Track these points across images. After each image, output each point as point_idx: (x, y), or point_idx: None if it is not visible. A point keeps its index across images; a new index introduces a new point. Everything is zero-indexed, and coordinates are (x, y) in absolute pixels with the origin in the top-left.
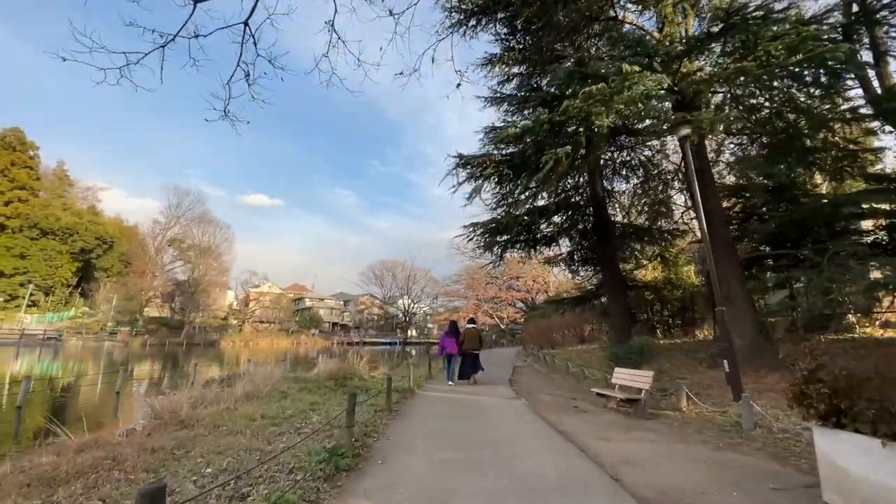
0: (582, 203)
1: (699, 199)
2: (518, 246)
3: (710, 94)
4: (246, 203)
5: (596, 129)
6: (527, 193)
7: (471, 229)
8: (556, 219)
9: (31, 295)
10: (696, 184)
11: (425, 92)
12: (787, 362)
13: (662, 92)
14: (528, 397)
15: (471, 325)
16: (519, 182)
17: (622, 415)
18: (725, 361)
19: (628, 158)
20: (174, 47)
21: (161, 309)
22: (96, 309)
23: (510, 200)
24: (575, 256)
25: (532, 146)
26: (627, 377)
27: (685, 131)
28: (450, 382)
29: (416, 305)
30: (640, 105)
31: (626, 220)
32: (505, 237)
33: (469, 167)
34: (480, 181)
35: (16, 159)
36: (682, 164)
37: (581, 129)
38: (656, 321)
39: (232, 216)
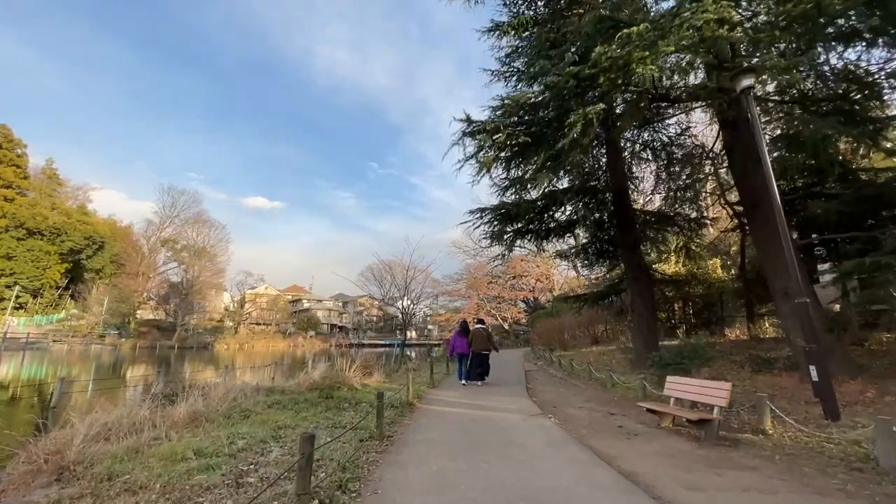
0: (600, 188)
1: (769, 166)
2: (529, 236)
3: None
4: (247, 206)
5: (634, 87)
6: (545, 169)
7: (478, 215)
8: (572, 206)
9: (18, 297)
10: (764, 142)
11: (425, 93)
12: (864, 366)
13: (723, 32)
14: (555, 412)
15: (480, 326)
16: (536, 155)
17: (688, 439)
18: (813, 368)
19: (649, 139)
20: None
21: (156, 311)
22: (89, 311)
23: (527, 177)
24: (590, 249)
25: (553, 110)
26: (691, 389)
27: (747, 82)
28: (462, 382)
29: (415, 306)
30: (693, 52)
31: (646, 208)
32: (516, 225)
33: (479, 135)
34: (491, 152)
35: (2, 157)
36: (718, 138)
37: (616, 84)
38: (677, 320)
39: (233, 219)
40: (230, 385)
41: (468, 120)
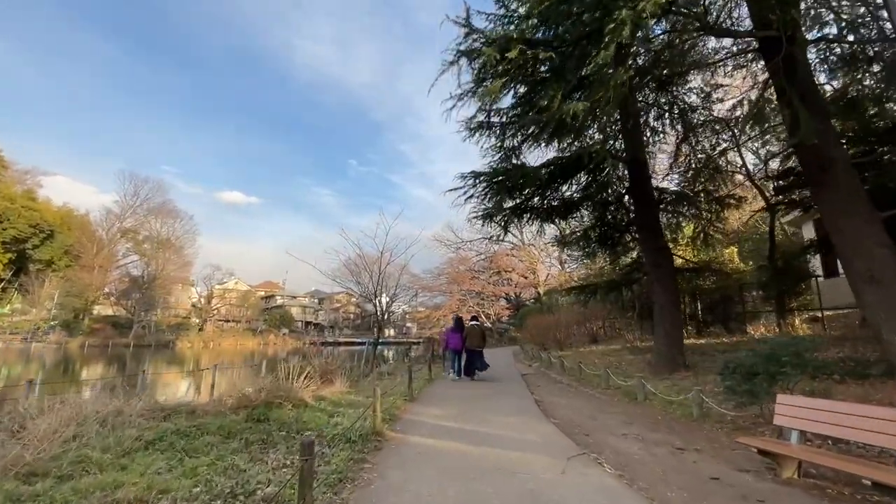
0: (615, 154)
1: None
2: (529, 216)
3: None
4: (222, 200)
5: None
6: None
7: (471, 181)
8: (583, 177)
9: None
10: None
11: (407, 92)
12: None
13: None
14: (597, 446)
15: (473, 323)
16: (553, 87)
17: None
18: None
19: (666, 108)
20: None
21: (116, 307)
22: (39, 306)
23: (544, 103)
24: (592, 234)
25: (589, 10)
26: (844, 419)
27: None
28: (453, 377)
29: (393, 303)
30: None
31: (660, 186)
32: (515, 201)
33: (484, 50)
34: (499, 81)
35: None
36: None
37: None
38: (686, 316)
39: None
40: (107, 405)
41: (467, 25)
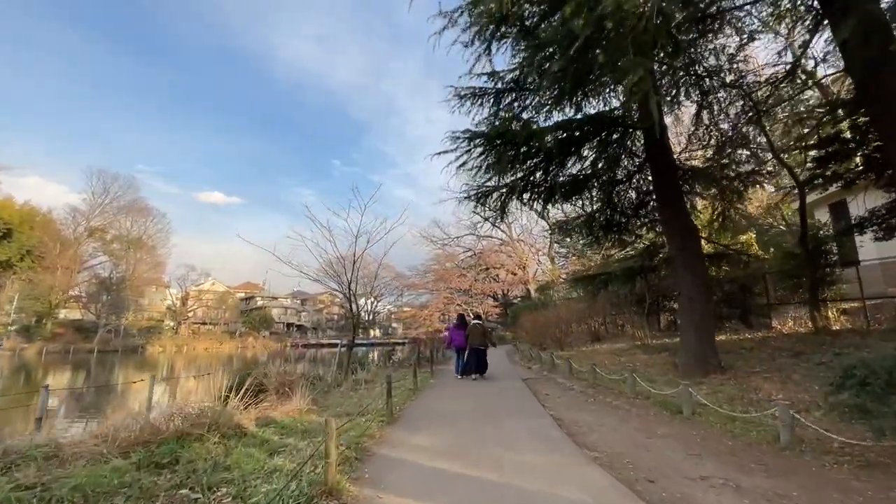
0: (623, 128)
1: None
2: (529, 195)
3: None
4: (202, 201)
5: None
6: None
7: (465, 143)
8: (588, 152)
9: None
10: None
11: (391, 93)
12: None
13: None
14: None
15: (476, 322)
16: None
17: None
18: None
19: (681, 74)
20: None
21: (85, 311)
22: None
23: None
24: (596, 219)
25: None
26: None
27: None
28: (457, 376)
29: (379, 303)
30: None
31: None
32: (514, 174)
33: None
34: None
35: None
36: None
37: None
38: None
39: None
40: None
41: None
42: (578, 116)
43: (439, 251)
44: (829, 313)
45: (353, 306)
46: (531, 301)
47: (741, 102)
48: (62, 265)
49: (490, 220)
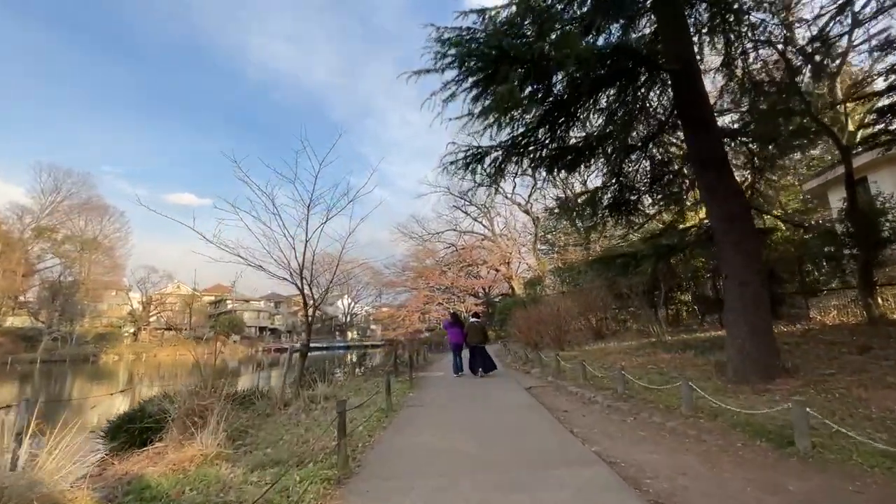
0: (650, 70)
1: None
2: (532, 156)
3: None
4: (171, 203)
5: None
6: None
7: (450, 62)
8: (605, 102)
9: None
10: None
11: (366, 94)
12: None
13: None
14: None
15: (475, 320)
16: None
17: None
18: None
19: (709, 11)
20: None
21: (37, 317)
22: None
23: None
24: (602, 196)
25: None
26: None
27: None
28: (454, 375)
29: (356, 304)
30: None
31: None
32: (512, 128)
33: None
34: None
35: None
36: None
37: None
38: (710, 301)
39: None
40: None
41: None
42: (600, 43)
43: (419, 247)
44: (880, 300)
45: (310, 300)
46: (519, 297)
47: (780, 46)
48: (5, 268)
49: (484, 184)
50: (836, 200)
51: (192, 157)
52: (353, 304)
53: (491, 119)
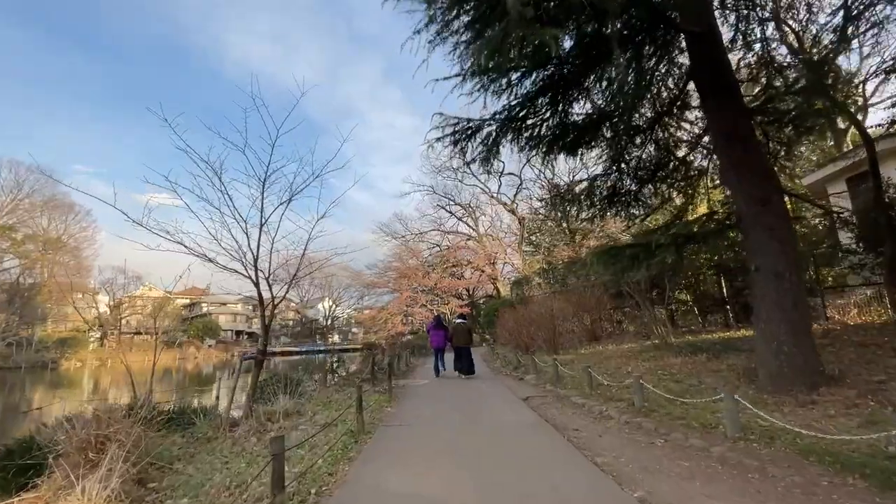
0: (667, 31)
1: None
2: (529, 133)
3: None
4: (150, 203)
5: None
6: None
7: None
8: (615, 72)
9: None
10: None
11: (347, 95)
12: None
13: None
14: None
15: (460, 321)
16: None
17: None
18: None
19: None
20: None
21: None
22: None
23: None
24: (600, 185)
25: None
26: None
27: None
28: (436, 377)
29: (337, 307)
30: None
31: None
32: (510, 96)
33: None
34: None
35: None
36: None
37: None
38: (710, 302)
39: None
40: None
41: None
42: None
43: (401, 248)
44: None
45: (266, 297)
46: (507, 298)
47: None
48: None
49: (477, 161)
50: (836, 195)
51: (166, 156)
52: (333, 306)
53: (486, 80)
